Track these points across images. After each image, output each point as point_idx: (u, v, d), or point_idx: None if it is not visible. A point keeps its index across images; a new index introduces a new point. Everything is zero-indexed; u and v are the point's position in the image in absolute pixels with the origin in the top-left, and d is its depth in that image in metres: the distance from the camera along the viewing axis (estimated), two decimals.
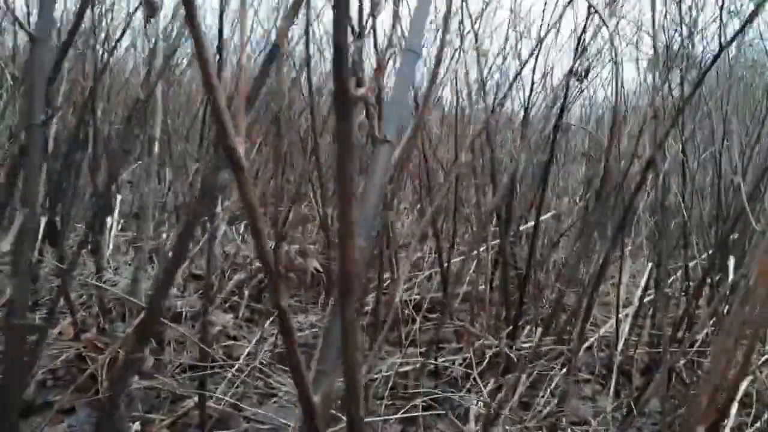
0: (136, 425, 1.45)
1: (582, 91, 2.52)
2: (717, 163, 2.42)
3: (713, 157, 2.49)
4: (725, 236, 2.54)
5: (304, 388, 0.54)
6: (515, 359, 1.88)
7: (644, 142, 2.02)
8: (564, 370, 1.92)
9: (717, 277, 2.34)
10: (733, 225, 2.14)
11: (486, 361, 1.90)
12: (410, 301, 2.16)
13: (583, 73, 2.23)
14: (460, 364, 1.91)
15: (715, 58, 1.65)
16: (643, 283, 2.16)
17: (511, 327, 2.01)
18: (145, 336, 1.19)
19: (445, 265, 2.02)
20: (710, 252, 2.29)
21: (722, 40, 1.70)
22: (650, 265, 2.13)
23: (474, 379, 1.86)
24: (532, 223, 2.37)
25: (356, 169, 0.47)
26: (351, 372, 0.54)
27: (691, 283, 2.31)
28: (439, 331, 1.88)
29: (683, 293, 2.40)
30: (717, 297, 2.30)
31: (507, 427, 1.71)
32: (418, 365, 1.87)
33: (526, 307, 2.23)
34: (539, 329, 2.05)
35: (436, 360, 1.88)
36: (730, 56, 2.83)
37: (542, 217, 2.56)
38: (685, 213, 2.19)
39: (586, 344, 2.13)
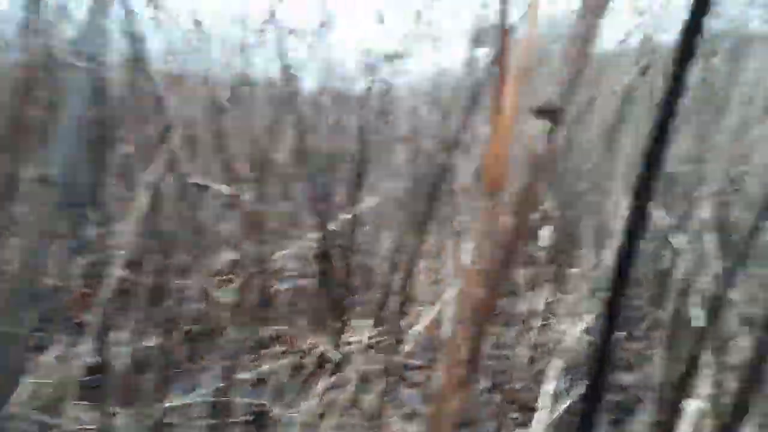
0: None
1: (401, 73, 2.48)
2: None
3: None
4: None
5: None
6: (341, 357, 1.79)
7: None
8: (394, 359, 1.88)
9: None
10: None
11: (316, 362, 1.79)
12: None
13: (395, 55, 2.18)
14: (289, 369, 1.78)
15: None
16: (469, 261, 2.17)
17: (338, 322, 1.91)
18: None
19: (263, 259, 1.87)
20: None
21: None
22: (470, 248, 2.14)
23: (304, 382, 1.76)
24: (355, 210, 2.29)
25: None
26: None
27: None
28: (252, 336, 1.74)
29: None
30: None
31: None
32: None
33: (353, 299, 2.15)
34: (369, 321, 1.98)
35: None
36: None
37: (366, 204, 2.50)
38: None
39: (417, 328, 2.11)
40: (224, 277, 2.07)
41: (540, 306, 2.10)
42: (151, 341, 1.88)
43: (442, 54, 2.67)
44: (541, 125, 0.63)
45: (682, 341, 1.68)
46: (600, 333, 0.74)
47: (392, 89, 2.56)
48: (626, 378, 2.04)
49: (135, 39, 1.42)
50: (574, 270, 2.48)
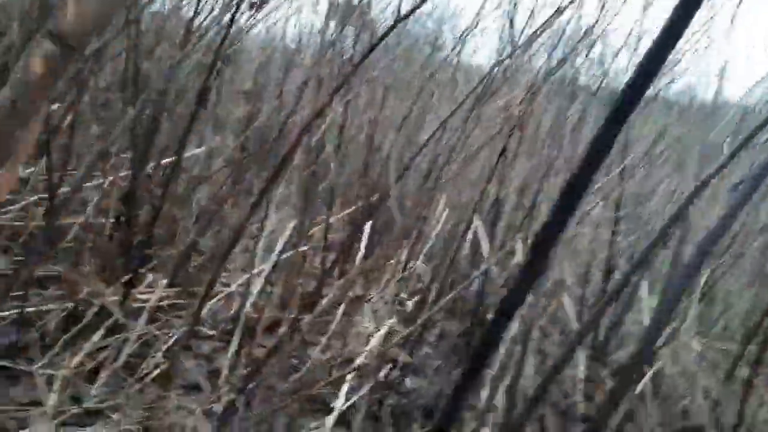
0: None
1: (257, 22, 2.30)
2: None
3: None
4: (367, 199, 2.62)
5: None
6: (124, 314, 1.60)
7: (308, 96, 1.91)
8: (183, 327, 1.72)
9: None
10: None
11: (91, 315, 1.58)
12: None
13: (258, 3, 2.00)
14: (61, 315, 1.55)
15: (390, 29, 1.59)
16: (282, 239, 2.07)
17: (130, 274, 1.71)
18: None
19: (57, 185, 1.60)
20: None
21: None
22: (293, 222, 2.04)
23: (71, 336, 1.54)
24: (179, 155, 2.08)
25: None
26: None
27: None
28: (31, 270, 1.49)
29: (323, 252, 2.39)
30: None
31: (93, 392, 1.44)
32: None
33: (153, 251, 1.95)
34: (164, 279, 1.79)
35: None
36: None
37: (191, 152, 2.30)
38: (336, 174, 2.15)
39: (216, 299, 1.96)
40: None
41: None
42: None
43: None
44: None
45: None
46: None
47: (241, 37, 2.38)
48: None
49: None
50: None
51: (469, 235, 2.01)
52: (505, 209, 2.46)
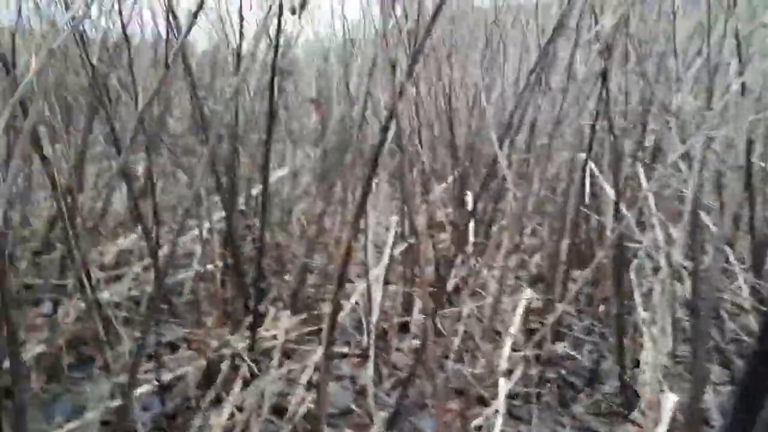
0: None
1: (302, 29, 2.20)
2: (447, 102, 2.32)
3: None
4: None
5: None
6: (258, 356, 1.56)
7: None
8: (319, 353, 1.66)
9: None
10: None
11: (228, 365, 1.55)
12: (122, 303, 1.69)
13: (297, 7, 1.90)
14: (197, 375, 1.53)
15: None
16: (391, 237, 1.96)
17: (251, 315, 1.66)
18: None
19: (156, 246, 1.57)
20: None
21: None
22: (395, 218, 1.93)
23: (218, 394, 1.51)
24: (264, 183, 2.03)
25: None
26: None
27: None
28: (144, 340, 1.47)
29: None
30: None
31: None
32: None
33: (266, 285, 1.91)
34: (286, 311, 1.74)
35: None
36: None
37: (276, 175, 2.24)
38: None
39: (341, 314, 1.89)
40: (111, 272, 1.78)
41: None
42: (26, 353, 1.58)
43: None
44: None
45: None
46: None
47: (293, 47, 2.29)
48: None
49: None
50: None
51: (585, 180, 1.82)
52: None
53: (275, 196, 2.08)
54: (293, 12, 1.99)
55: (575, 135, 1.94)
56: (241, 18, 1.80)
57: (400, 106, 1.90)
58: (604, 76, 1.53)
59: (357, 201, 1.36)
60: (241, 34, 1.84)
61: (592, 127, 1.64)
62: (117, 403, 1.39)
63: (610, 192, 1.67)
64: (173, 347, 1.69)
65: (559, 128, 1.64)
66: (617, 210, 1.64)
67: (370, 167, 1.25)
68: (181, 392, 1.50)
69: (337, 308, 1.23)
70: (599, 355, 1.84)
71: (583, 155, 1.76)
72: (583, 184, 1.66)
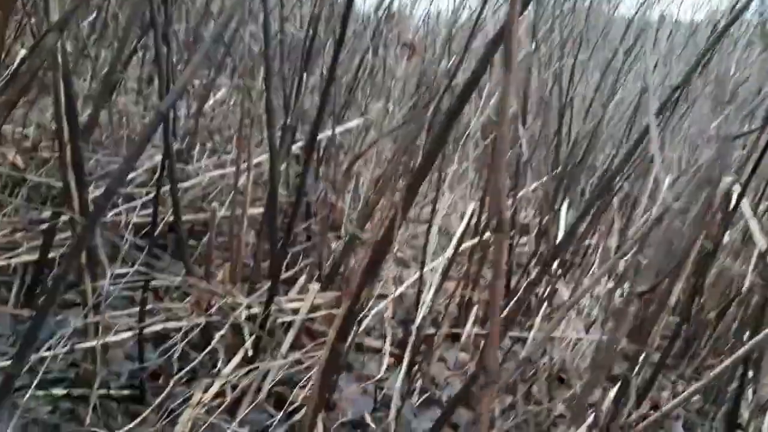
0: None
1: None
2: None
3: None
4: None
5: None
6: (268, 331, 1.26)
7: None
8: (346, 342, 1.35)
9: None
10: None
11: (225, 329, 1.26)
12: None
13: None
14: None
15: None
16: (462, 226, 1.63)
17: (275, 278, 1.35)
18: None
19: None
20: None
21: None
22: (473, 204, 1.59)
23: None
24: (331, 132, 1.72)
25: None
26: None
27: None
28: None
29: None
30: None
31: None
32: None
33: (305, 249, 1.62)
34: (316, 284, 1.43)
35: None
36: None
37: (347, 125, 1.93)
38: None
39: (380, 305, 1.57)
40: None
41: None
42: None
43: None
44: None
45: None
46: None
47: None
48: None
49: None
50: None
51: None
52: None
53: (339, 148, 1.77)
54: None
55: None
56: None
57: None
58: None
59: (413, 174, 1.03)
60: None
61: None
62: None
63: (759, 239, 1.25)
64: (171, 296, 1.42)
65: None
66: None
67: (445, 124, 0.92)
68: (168, 351, 1.23)
69: (355, 301, 0.91)
70: None
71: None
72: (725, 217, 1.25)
